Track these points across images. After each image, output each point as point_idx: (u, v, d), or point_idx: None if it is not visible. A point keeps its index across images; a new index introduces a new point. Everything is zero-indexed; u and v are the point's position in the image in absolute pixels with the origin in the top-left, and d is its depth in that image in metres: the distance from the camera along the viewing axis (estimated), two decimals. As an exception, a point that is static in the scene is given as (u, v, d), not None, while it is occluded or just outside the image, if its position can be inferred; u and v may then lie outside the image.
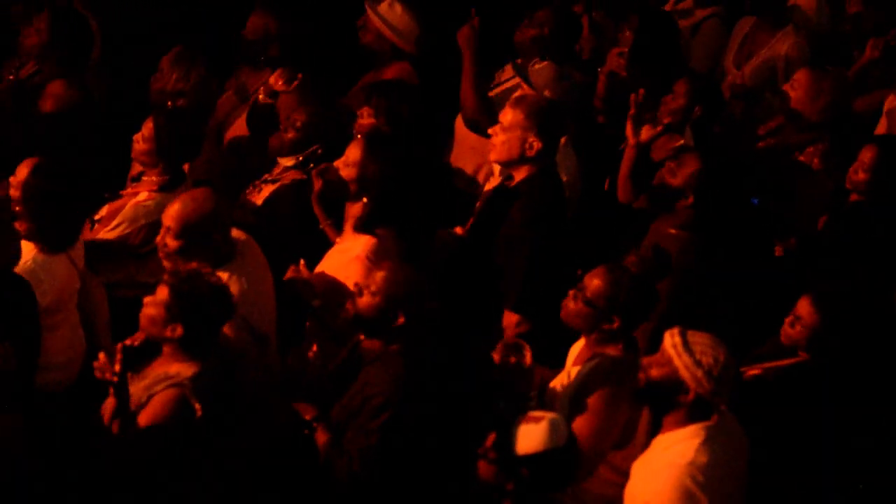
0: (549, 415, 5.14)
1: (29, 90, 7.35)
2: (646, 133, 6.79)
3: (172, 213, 5.98)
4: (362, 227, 6.29)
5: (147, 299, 5.54)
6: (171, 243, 5.97)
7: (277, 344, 6.14)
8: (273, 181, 7.02)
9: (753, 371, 5.98)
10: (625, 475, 5.26)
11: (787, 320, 6.00)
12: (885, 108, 8.02)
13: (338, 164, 6.44)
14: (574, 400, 5.54)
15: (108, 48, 8.13)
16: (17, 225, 6.00)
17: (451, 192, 7.31)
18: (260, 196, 6.99)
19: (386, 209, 6.27)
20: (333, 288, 6.14)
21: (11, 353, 5.40)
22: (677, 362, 5.02)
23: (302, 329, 6.18)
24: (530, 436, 5.01)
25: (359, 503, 5.56)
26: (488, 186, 6.90)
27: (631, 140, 6.81)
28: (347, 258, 6.24)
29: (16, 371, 5.45)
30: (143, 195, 6.65)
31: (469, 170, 7.44)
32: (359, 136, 6.67)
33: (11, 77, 7.45)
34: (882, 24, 8.47)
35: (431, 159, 7.28)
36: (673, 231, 6.46)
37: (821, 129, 7.30)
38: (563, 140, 6.74)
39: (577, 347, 5.80)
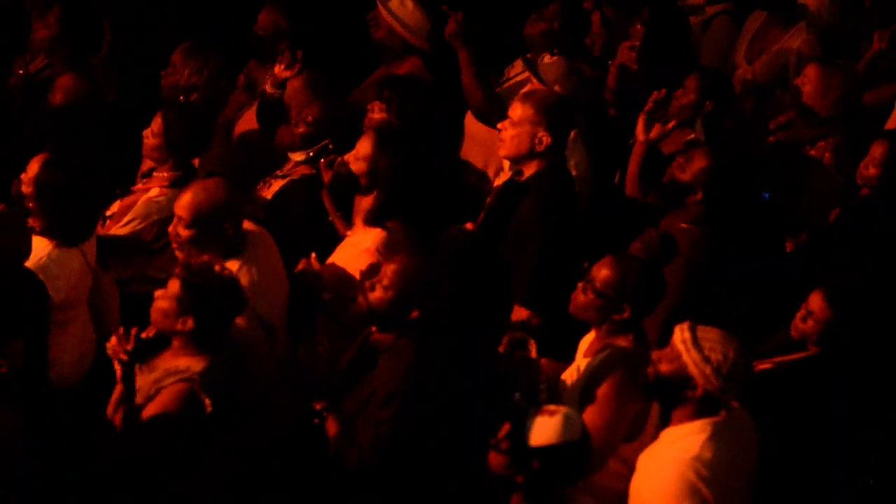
0: (563, 408, 5.15)
1: (39, 84, 7.37)
2: (655, 131, 6.79)
3: (184, 202, 6.00)
4: (372, 220, 6.31)
5: (158, 293, 5.55)
6: (184, 233, 5.99)
7: (288, 336, 6.15)
8: (283, 176, 7.03)
9: (764, 365, 5.98)
10: (634, 468, 5.27)
11: (799, 315, 5.99)
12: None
13: (348, 157, 6.47)
14: (585, 391, 5.54)
15: (118, 44, 8.14)
16: (30, 221, 6.01)
17: (462, 187, 7.31)
18: (270, 191, 6.99)
19: (396, 203, 6.29)
20: (343, 281, 6.16)
21: (20, 350, 5.41)
22: (686, 358, 5.02)
23: (312, 322, 6.19)
24: (544, 428, 5.01)
25: (369, 493, 5.58)
26: (498, 182, 6.90)
27: (640, 137, 6.81)
28: (357, 251, 6.27)
29: (21, 370, 5.46)
30: (154, 191, 6.67)
31: (479, 165, 7.44)
32: (369, 130, 6.68)
33: (21, 72, 7.48)
34: (887, 16, 8.45)
35: (442, 154, 7.28)
36: (684, 226, 6.46)
37: (831, 124, 7.29)
38: (572, 134, 6.74)
39: (587, 340, 5.80)
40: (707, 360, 5.00)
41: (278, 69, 7.32)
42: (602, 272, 5.59)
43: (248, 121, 7.61)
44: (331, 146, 6.88)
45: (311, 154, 6.97)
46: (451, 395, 5.60)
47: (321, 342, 5.82)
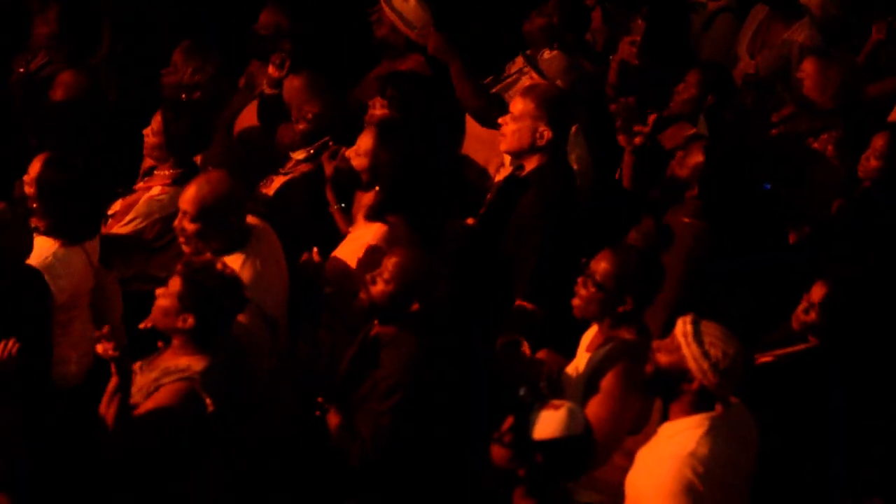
0: (567, 403, 5.15)
1: (39, 82, 7.39)
2: (640, 138, 6.75)
3: (189, 197, 6.02)
4: (374, 215, 6.31)
5: (160, 291, 5.54)
6: (190, 227, 6.01)
7: (289, 330, 6.15)
8: (285, 174, 7.05)
9: (765, 358, 5.98)
10: (637, 462, 5.27)
11: (801, 307, 5.98)
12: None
13: (349, 153, 6.48)
14: (589, 384, 5.54)
15: (118, 43, 8.16)
16: (34, 221, 6.02)
17: (463, 183, 7.31)
18: (272, 188, 7.02)
19: (397, 198, 6.29)
20: (345, 275, 6.17)
21: (16, 349, 5.41)
22: (685, 351, 5.00)
23: (314, 317, 6.20)
24: (548, 422, 5.00)
25: (371, 485, 5.59)
26: (499, 177, 6.90)
27: (627, 147, 6.78)
28: (359, 246, 6.27)
29: (17, 369, 5.45)
30: (156, 189, 6.68)
31: (480, 162, 7.44)
32: (371, 125, 6.68)
33: (21, 70, 7.49)
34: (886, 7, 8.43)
35: (443, 150, 7.29)
36: (686, 220, 6.46)
37: (834, 116, 7.29)
38: (574, 129, 6.75)
39: (589, 335, 5.79)
40: (706, 355, 4.98)
41: (271, 69, 7.33)
42: (601, 265, 5.59)
43: (248, 118, 7.63)
44: (331, 143, 6.89)
45: (311, 151, 7.00)
46: (452, 388, 5.60)
47: (322, 336, 5.80)
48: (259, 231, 6.17)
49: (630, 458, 5.38)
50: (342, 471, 5.64)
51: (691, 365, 4.99)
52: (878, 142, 6.82)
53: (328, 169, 6.71)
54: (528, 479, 5.02)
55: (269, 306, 6.01)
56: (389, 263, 5.67)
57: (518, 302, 6.25)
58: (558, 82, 7.21)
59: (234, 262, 5.94)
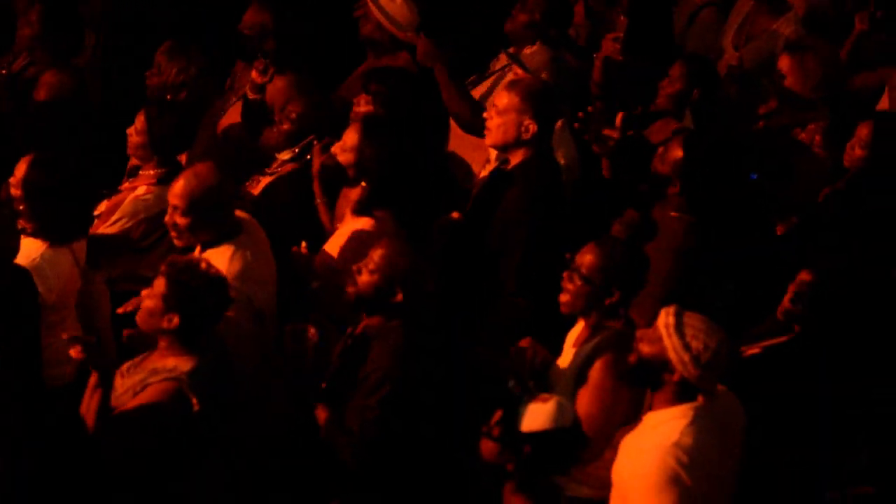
0: (556, 396, 5.16)
1: (22, 83, 7.39)
2: (612, 141, 6.72)
3: (177, 191, 6.04)
4: (361, 210, 6.31)
5: (144, 292, 5.54)
6: (181, 221, 6.04)
7: (277, 325, 6.14)
8: (271, 174, 7.07)
9: (752, 350, 5.98)
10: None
11: (787, 297, 5.98)
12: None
13: (335, 149, 6.48)
14: (579, 377, 5.53)
15: (102, 43, 8.16)
16: (21, 223, 6.02)
17: (448, 178, 7.32)
18: (258, 188, 7.03)
19: (384, 192, 6.30)
20: (332, 270, 6.17)
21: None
22: (667, 343, 4.99)
23: (301, 311, 6.20)
24: (536, 414, 5.01)
25: (362, 479, 5.60)
26: (484, 173, 6.89)
27: (602, 152, 6.75)
28: (346, 242, 6.27)
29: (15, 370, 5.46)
30: (141, 189, 6.69)
31: (466, 158, 7.45)
32: (356, 121, 6.69)
33: (4, 71, 7.49)
34: None
35: (428, 145, 7.29)
36: (673, 214, 6.46)
37: (819, 107, 7.30)
38: (559, 124, 6.75)
39: (575, 332, 5.78)
40: (687, 347, 4.97)
41: (254, 74, 7.34)
42: (586, 258, 5.59)
43: (233, 118, 7.62)
44: (316, 142, 6.90)
45: (296, 151, 7.01)
46: (438, 382, 5.61)
47: (311, 331, 5.79)
48: (248, 224, 6.21)
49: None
50: (333, 466, 5.63)
51: (672, 356, 4.98)
52: (863, 131, 6.82)
53: (316, 162, 6.71)
54: (518, 473, 5.02)
55: (258, 299, 6.04)
56: (375, 255, 5.68)
57: (506, 296, 6.26)
58: (543, 75, 7.22)
59: (225, 253, 6.00)
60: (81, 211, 6.25)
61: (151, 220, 6.50)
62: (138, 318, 5.56)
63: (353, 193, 6.40)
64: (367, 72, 7.45)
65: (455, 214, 6.59)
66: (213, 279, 5.51)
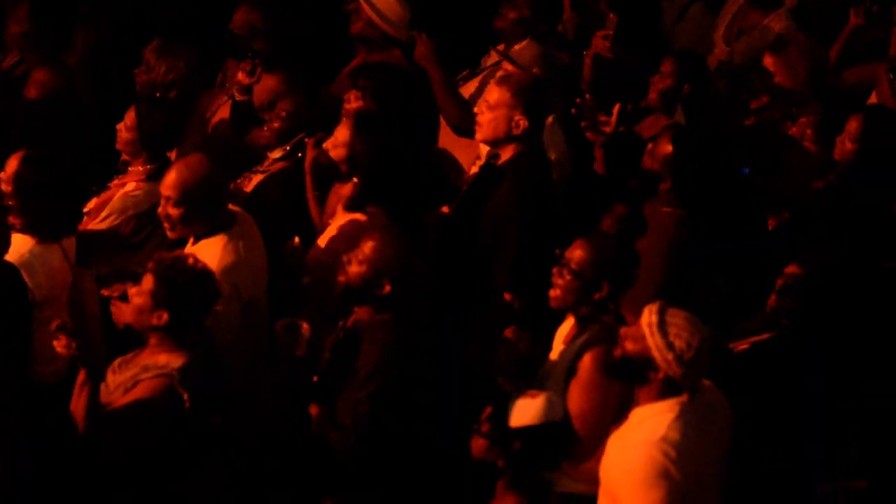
0: (545, 392, 5.15)
1: (13, 81, 7.38)
2: (608, 129, 6.73)
3: (170, 182, 6.05)
4: (353, 206, 6.31)
5: (132, 290, 5.57)
6: (174, 212, 6.05)
7: (269, 320, 6.15)
8: (263, 172, 7.07)
9: (742, 346, 5.97)
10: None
11: (775, 291, 5.97)
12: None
13: (327, 145, 6.49)
14: (570, 373, 5.51)
15: (93, 40, 8.16)
16: (10, 219, 6.02)
17: (439, 175, 7.31)
18: (250, 186, 7.03)
19: (376, 187, 6.29)
20: (324, 266, 6.16)
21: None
22: (650, 341, 4.99)
23: (294, 305, 6.20)
24: (525, 409, 5.03)
25: (355, 473, 5.61)
26: (474, 170, 6.88)
27: (596, 141, 6.75)
28: (338, 238, 6.26)
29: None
30: (130, 185, 6.70)
31: (456, 155, 7.44)
32: (347, 117, 6.69)
33: (-6, 69, 7.52)
34: None
35: (419, 141, 7.28)
36: (666, 209, 6.44)
37: (811, 101, 7.31)
38: (550, 119, 6.75)
39: (565, 328, 5.77)
40: (670, 346, 4.97)
41: (241, 76, 7.35)
42: (576, 253, 5.57)
43: (223, 114, 7.61)
44: (307, 140, 6.90)
45: (287, 149, 7.02)
46: (430, 376, 5.61)
47: (303, 326, 5.79)
48: (242, 217, 6.22)
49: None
50: (326, 461, 5.63)
51: (655, 355, 4.99)
52: (853, 124, 6.83)
53: (309, 156, 6.71)
54: (509, 470, 5.02)
55: (249, 291, 6.05)
56: (365, 246, 5.69)
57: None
58: (534, 70, 7.21)
59: (217, 243, 6.02)
60: (71, 208, 6.24)
61: (141, 217, 6.52)
62: (128, 316, 5.55)
63: (345, 189, 6.40)
64: (356, 68, 7.47)
65: (445, 209, 6.60)
66: (200, 274, 5.53)
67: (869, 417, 5.87)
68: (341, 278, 5.71)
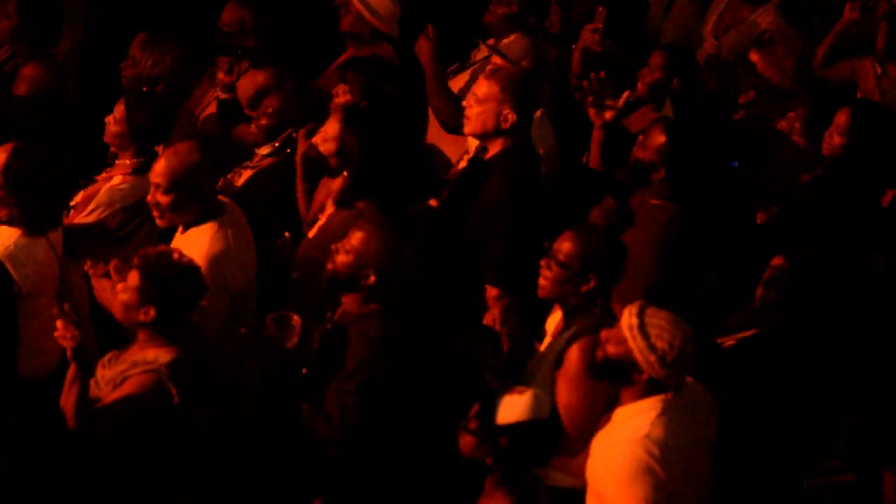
0: (532, 389, 5.14)
1: (2, 76, 7.37)
2: (610, 113, 6.75)
3: (159, 169, 6.04)
4: (343, 200, 6.30)
5: (119, 286, 5.55)
6: (163, 199, 6.03)
7: (257, 313, 6.15)
8: (253, 167, 7.06)
9: (730, 342, 5.97)
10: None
11: (761, 282, 5.97)
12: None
13: (316, 140, 6.48)
14: (557, 363, 5.52)
15: (81, 34, 8.15)
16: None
17: (428, 169, 7.32)
18: (240, 181, 7.01)
19: (366, 181, 6.28)
20: (313, 262, 6.15)
21: None
22: (632, 344, 4.99)
23: (283, 300, 6.20)
24: (512, 406, 5.02)
25: (344, 465, 5.61)
26: (462, 164, 6.88)
27: (596, 122, 6.79)
28: (327, 234, 6.25)
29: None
30: (117, 179, 6.66)
31: (444, 150, 7.45)
32: (336, 111, 6.68)
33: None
34: None
35: (407, 135, 7.29)
36: (655, 202, 6.44)
37: (800, 95, 7.31)
38: (538, 113, 6.75)
39: (554, 321, 5.77)
40: (652, 348, 4.97)
41: (221, 75, 7.36)
42: (564, 245, 5.57)
43: (212, 109, 7.64)
44: (295, 135, 6.90)
45: (276, 145, 7.01)
46: (417, 368, 5.62)
47: (294, 317, 5.79)
48: (231, 208, 6.22)
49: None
50: (315, 453, 5.64)
51: (638, 357, 4.99)
52: (841, 118, 6.84)
53: (301, 147, 6.71)
54: (497, 467, 5.01)
55: (238, 280, 6.04)
56: (353, 236, 5.69)
57: (487, 287, 6.26)
58: (524, 63, 7.21)
59: (207, 232, 6.01)
60: (58, 201, 6.23)
61: (128, 210, 6.49)
62: (115, 312, 5.55)
63: (334, 184, 6.39)
64: (345, 62, 7.46)
65: (432, 202, 6.59)
66: (186, 268, 5.52)
67: (856, 412, 5.87)
68: (329, 267, 5.71)
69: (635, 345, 4.98)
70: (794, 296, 5.88)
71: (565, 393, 5.44)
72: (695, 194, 6.43)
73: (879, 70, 7.87)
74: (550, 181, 6.89)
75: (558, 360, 5.51)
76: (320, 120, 6.69)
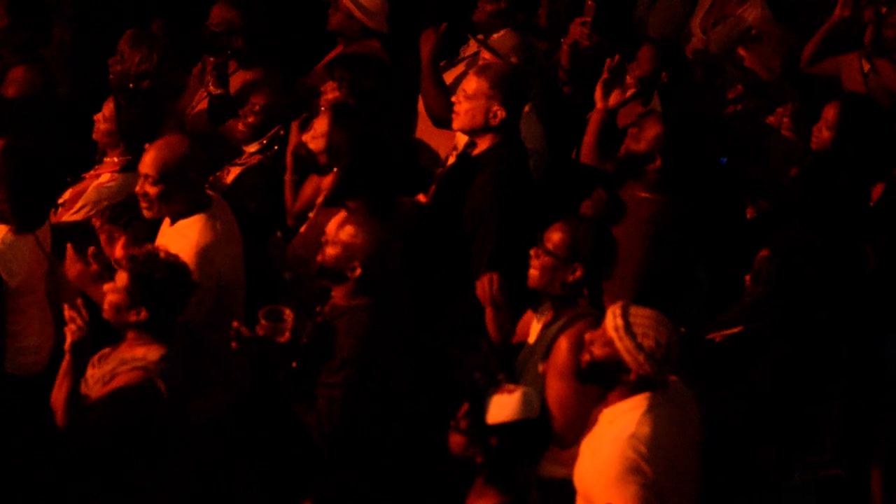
0: (522, 387, 5.14)
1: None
2: (614, 99, 6.77)
3: (148, 160, 6.04)
4: (333, 198, 6.29)
5: (107, 287, 5.54)
6: (152, 190, 6.03)
7: (245, 307, 6.16)
8: (241, 164, 7.07)
9: (718, 338, 5.96)
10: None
11: (748, 276, 5.96)
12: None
13: (306, 138, 6.47)
14: (547, 355, 5.53)
15: (68, 35, 8.14)
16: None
17: (416, 166, 7.31)
18: (228, 178, 7.03)
19: (356, 178, 6.27)
20: (304, 261, 6.15)
21: None
22: (619, 345, 4.97)
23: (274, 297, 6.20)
24: (502, 405, 5.00)
25: (331, 456, 5.61)
26: (451, 161, 6.87)
27: (599, 104, 6.79)
28: (318, 233, 6.25)
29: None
30: (105, 177, 6.69)
31: (432, 146, 7.45)
32: (325, 108, 6.69)
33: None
34: None
35: (397, 133, 7.28)
36: (646, 195, 6.43)
37: (788, 89, 7.32)
38: (527, 108, 6.74)
39: (527, 322, 5.78)
40: (640, 347, 4.96)
41: (211, 88, 7.41)
42: (554, 235, 5.59)
43: (202, 106, 7.64)
44: (282, 132, 6.91)
45: (264, 142, 7.03)
46: (405, 363, 5.63)
47: (286, 311, 5.79)
48: (218, 201, 6.22)
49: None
50: (303, 446, 5.64)
51: (626, 358, 4.98)
52: (829, 112, 6.81)
53: (293, 138, 6.71)
54: (486, 466, 5.01)
55: (225, 271, 6.04)
56: (343, 229, 5.70)
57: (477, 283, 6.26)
58: (513, 59, 7.21)
59: (196, 223, 6.01)
60: (45, 199, 6.22)
61: (115, 208, 6.47)
62: (105, 313, 5.53)
63: (325, 182, 6.38)
64: (333, 59, 7.48)
65: (420, 197, 6.59)
66: (175, 266, 5.52)
67: (846, 406, 5.88)
68: (318, 258, 5.72)
69: (622, 345, 4.98)
70: (780, 287, 5.87)
71: (555, 385, 5.44)
72: (688, 185, 6.42)
73: (867, 66, 7.87)
74: (539, 176, 6.89)
75: (547, 353, 5.51)
76: (308, 117, 6.71)
